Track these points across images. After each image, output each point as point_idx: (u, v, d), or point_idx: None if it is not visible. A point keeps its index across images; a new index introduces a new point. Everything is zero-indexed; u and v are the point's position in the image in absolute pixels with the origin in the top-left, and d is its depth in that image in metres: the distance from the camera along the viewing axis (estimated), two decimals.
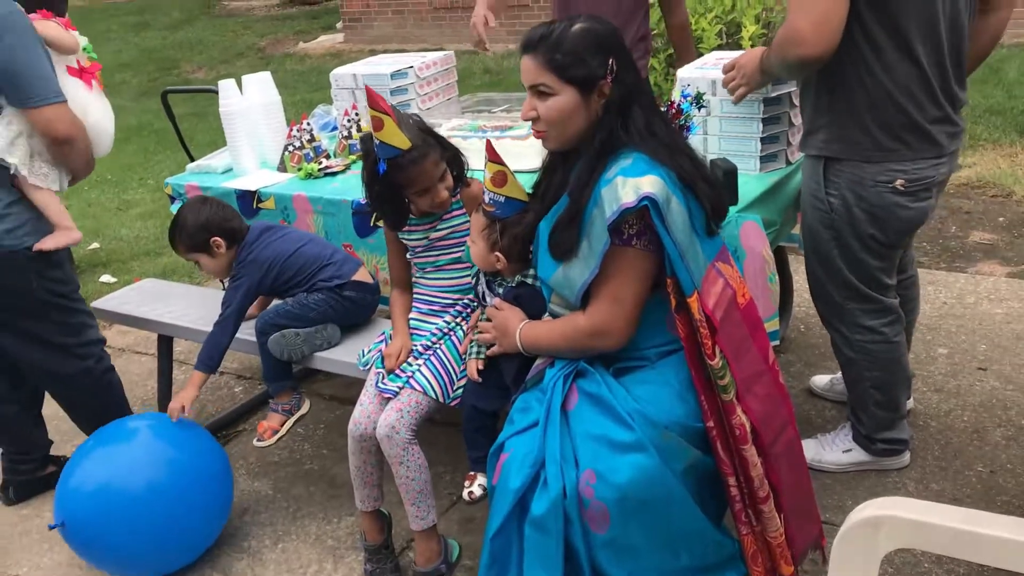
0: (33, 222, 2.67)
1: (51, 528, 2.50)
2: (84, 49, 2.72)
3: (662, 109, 2.18)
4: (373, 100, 2.24)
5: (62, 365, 2.90)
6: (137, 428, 2.69)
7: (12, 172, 2.58)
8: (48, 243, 2.67)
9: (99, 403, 3.01)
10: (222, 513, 2.72)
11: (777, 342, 2.64)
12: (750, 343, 2.01)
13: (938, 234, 4.46)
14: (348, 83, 3.49)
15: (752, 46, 4.40)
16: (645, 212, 1.85)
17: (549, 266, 2.04)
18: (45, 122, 2.53)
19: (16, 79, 2.47)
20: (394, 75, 3.42)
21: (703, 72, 2.77)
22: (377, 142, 2.30)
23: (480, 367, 2.37)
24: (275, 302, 3.00)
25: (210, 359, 2.78)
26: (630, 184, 1.85)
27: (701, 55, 3.24)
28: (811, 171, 2.47)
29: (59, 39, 2.63)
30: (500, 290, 2.33)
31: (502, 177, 2.18)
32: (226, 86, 3.29)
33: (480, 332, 2.32)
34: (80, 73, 2.72)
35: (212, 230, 2.86)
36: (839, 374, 3.16)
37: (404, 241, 2.57)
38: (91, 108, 2.69)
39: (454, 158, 2.47)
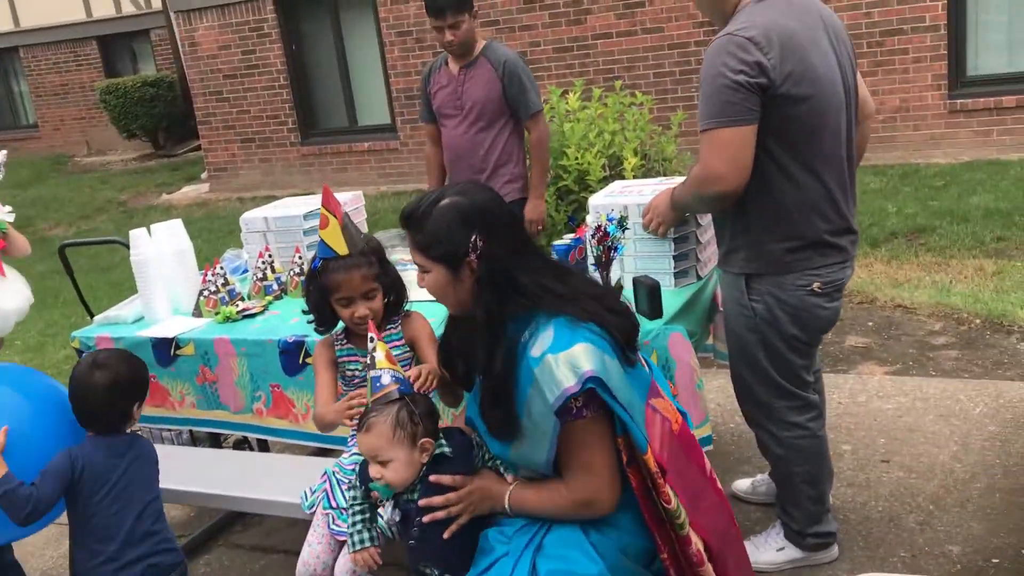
0: None
1: None
2: None
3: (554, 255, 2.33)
4: (327, 199, 2.32)
5: None
6: None
7: None
8: None
9: None
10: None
11: (711, 447, 2.76)
12: (689, 463, 2.06)
13: None
14: (259, 226, 3.52)
15: (634, 177, 4.71)
16: (591, 392, 1.86)
17: (498, 447, 2.05)
18: None
19: None
20: (307, 216, 3.48)
21: (615, 199, 2.97)
22: (319, 240, 2.38)
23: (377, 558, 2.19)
24: None
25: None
26: (562, 361, 1.84)
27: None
28: (732, 283, 2.66)
29: None
30: (414, 496, 2.08)
31: (391, 356, 2.14)
32: (137, 235, 3.26)
33: (452, 504, 2.07)
34: None
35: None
36: (760, 476, 3.30)
37: (343, 367, 2.57)
38: None
39: (392, 284, 2.53)
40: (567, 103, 5.18)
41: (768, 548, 2.92)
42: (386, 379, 2.07)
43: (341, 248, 2.39)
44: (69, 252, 4.00)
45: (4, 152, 2.90)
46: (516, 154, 4.17)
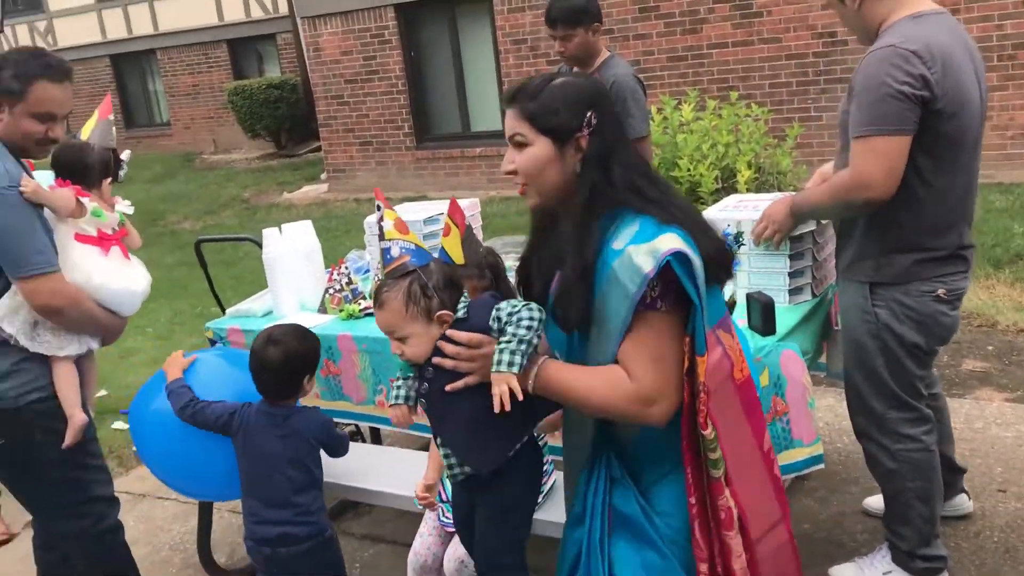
0: (43, 378, 2.69)
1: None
2: (95, 214, 2.77)
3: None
4: (453, 211, 2.29)
5: (54, 523, 2.88)
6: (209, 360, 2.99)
7: (11, 342, 2.61)
8: (68, 440, 2.69)
9: (93, 567, 2.93)
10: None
11: (821, 466, 2.76)
12: (745, 425, 1.90)
13: None
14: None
15: (748, 190, 4.70)
16: (667, 270, 1.74)
17: (559, 340, 1.96)
18: (26, 294, 2.59)
19: (4, 253, 2.55)
20: (427, 221, 3.61)
21: (730, 214, 2.99)
22: (440, 248, 2.23)
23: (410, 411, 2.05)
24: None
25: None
26: (643, 250, 1.76)
27: None
28: (856, 290, 2.71)
29: (56, 207, 2.66)
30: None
31: (403, 225, 2.04)
32: (269, 234, 3.45)
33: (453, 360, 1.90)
34: (99, 240, 2.78)
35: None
36: None
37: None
38: (96, 274, 2.72)
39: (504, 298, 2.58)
40: (681, 114, 5.20)
41: (874, 571, 2.89)
42: (395, 251, 1.96)
43: (458, 257, 2.43)
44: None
45: (128, 152, 3.12)
46: None
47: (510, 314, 1.84)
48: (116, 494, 2.96)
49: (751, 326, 2.69)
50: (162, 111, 17.36)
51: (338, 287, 3.40)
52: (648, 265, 1.73)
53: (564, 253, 1.87)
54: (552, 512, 2.60)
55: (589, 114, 1.83)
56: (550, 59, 9.54)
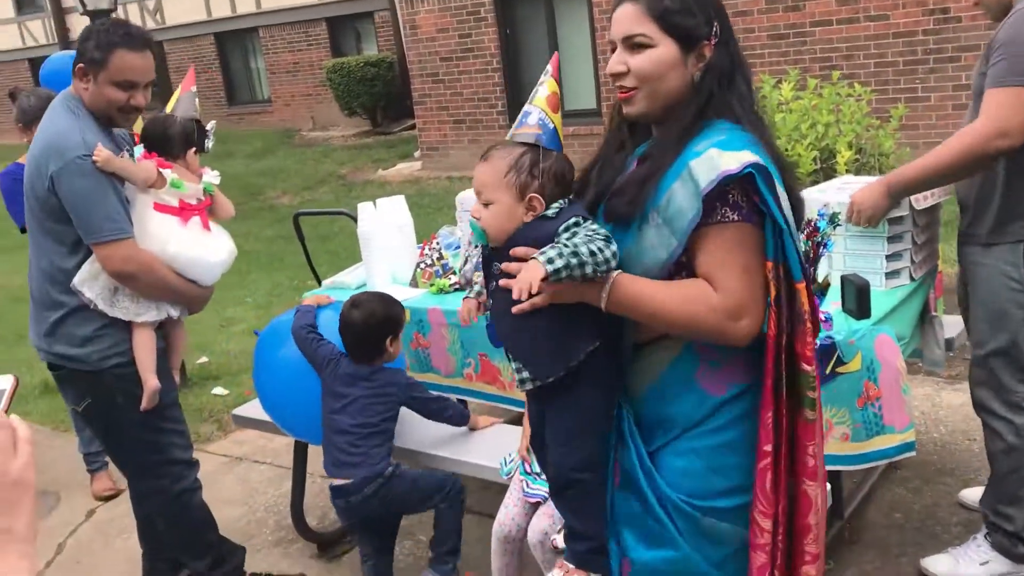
0: (124, 344, 2.80)
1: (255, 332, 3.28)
2: (174, 184, 2.83)
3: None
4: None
5: (136, 482, 3.02)
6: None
7: (92, 307, 2.72)
8: (144, 404, 2.81)
9: (172, 525, 3.04)
10: None
11: (912, 453, 2.70)
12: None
13: None
14: (470, 206, 3.71)
15: (847, 171, 4.58)
16: (748, 181, 1.64)
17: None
18: (100, 259, 2.69)
19: (76, 219, 2.66)
20: None
21: (828, 196, 2.93)
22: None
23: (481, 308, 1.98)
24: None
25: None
26: (728, 155, 1.65)
27: None
28: (1002, 256, 2.65)
29: (131, 177, 2.74)
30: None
31: (557, 102, 1.86)
32: (364, 208, 3.54)
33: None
34: (179, 211, 2.85)
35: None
36: None
37: None
38: (172, 243, 2.80)
39: None
40: (780, 93, 5.08)
41: (971, 562, 2.81)
42: (532, 119, 1.82)
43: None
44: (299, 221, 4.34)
45: (213, 123, 3.20)
46: None
47: (578, 223, 1.72)
48: (215, 454, 3.10)
49: (845, 309, 2.64)
50: (263, 88, 17.80)
51: (429, 262, 3.46)
52: (730, 164, 1.63)
53: (653, 144, 1.79)
54: None
55: (716, 24, 1.75)
56: None
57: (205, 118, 3.20)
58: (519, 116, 1.85)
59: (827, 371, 2.56)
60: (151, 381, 2.80)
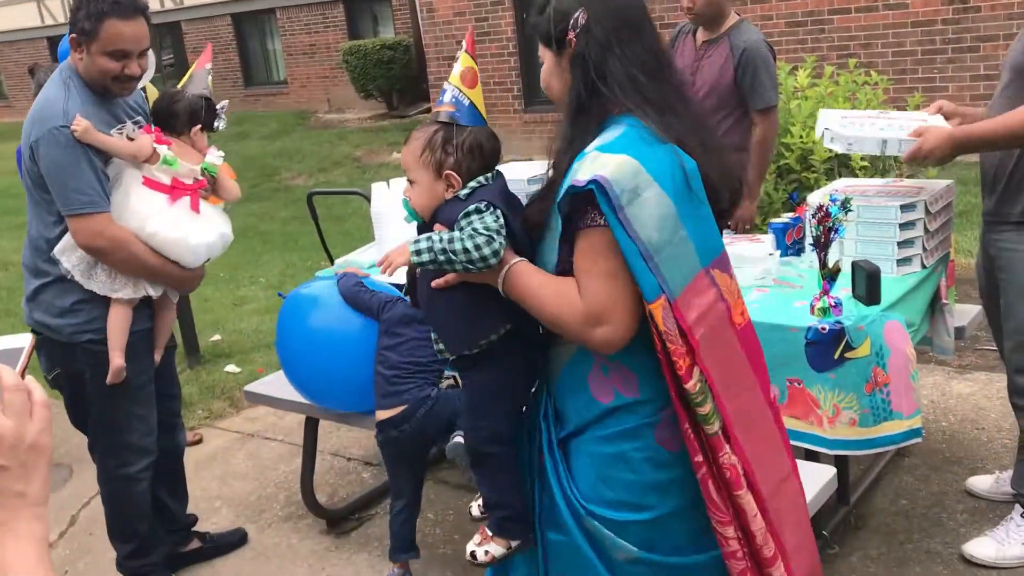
0: (99, 321, 2.80)
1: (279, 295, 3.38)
2: (166, 162, 2.76)
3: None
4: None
5: (94, 454, 3.04)
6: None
7: (68, 277, 2.73)
8: (109, 379, 2.81)
9: (107, 502, 3.06)
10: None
11: (919, 439, 2.71)
12: (749, 373, 1.76)
13: None
14: None
15: (861, 159, 4.57)
16: (591, 197, 1.62)
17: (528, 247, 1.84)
18: (72, 231, 2.68)
19: (52, 189, 2.66)
20: (531, 180, 3.64)
21: (839, 187, 2.93)
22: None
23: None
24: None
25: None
26: (601, 160, 1.63)
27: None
28: None
29: (114, 150, 2.70)
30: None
31: (474, 77, 1.90)
32: (378, 187, 3.56)
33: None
34: (170, 189, 2.79)
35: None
36: (1005, 473, 3.16)
37: None
38: (151, 222, 2.74)
39: None
40: (796, 80, 5.07)
41: (1013, 542, 2.82)
42: (447, 97, 1.86)
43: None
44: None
45: (226, 102, 3.13)
46: (738, 143, 3.85)
47: (478, 211, 1.74)
48: (228, 431, 3.13)
49: (855, 295, 2.65)
50: (279, 70, 17.81)
51: None
52: (582, 176, 1.62)
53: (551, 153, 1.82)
54: None
55: (578, 13, 1.71)
56: (663, 23, 9.39)
57: (220, 98, 3.19)
58: (439, 94, 1.89)
59: (836, 356, 2.57)
60: (116, 360, 2.78)
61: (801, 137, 4.63)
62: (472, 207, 1.75)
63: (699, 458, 1.68)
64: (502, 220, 1.73)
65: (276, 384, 3.61)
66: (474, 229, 1.72)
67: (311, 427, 3.46)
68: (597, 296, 1.65)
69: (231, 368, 5.23)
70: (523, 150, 10.95)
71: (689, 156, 1.67)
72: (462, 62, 1.89)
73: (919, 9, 8.30)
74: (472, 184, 1.80)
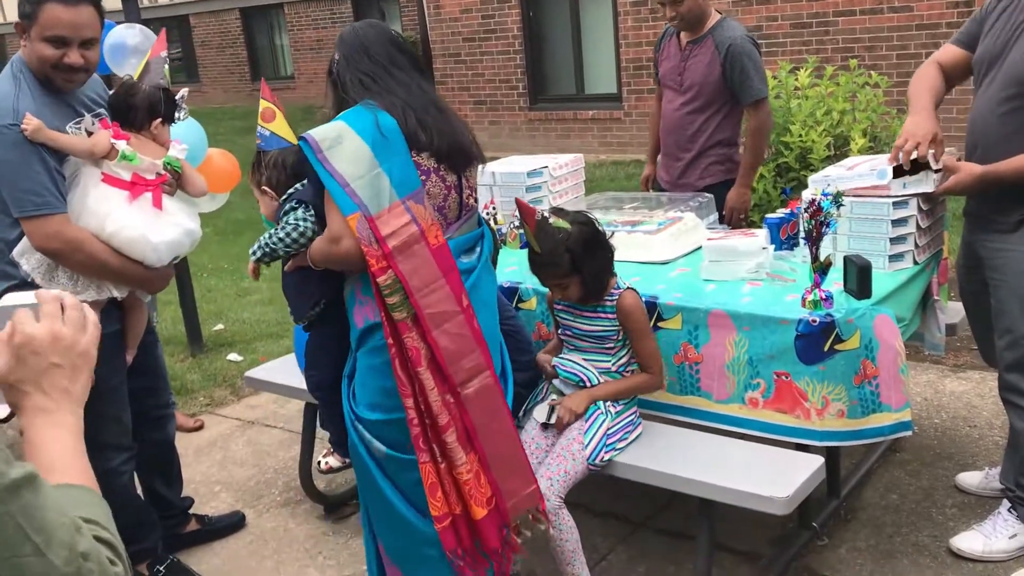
0: None
1: None
2: (125, 157, 2.65)
3: None
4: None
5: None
6: None
7: (29, 280, 2.60)
8: None
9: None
10: None
11: (909, 433, 2.74)
12: (443, 283, 2.27)
13: None
14: (486, 180, 3.77)
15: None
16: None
17: None
18: (26, 234, 2.56)
19: (4, 191, 2.54)
20: (530, 174, 3.69)
21: (834, 178, 2.97)
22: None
23: None
24: None
25: None
26: (318, 127, 2.30)
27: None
28: None
29: (66, 148, 2.59)
30: None
31: (271, 113, 2.70)
32: None
33: None
34: (130, 185, 2.68)
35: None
36: (994, 470, 3.19)
37: (558, 318, 2.84)
38: (110, 221, 2.63)
39: (595, 272, 2.67)
40: (796, 80, 5.10)
41: (1000, 536, 2.85)
42: (257, 133, 2.77)
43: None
44: None
45: (185, 91, 2.99)
46: (728, 138, 4.00)
47: (289, 211, 2.46)
48: (229, 418, 3.15)
49: (846, 289, 2.69)
50: (287, 65, 17.89)
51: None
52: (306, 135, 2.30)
53: None
54: (634, 456, 2.67)
55: (336, 57, 2.37)
56: (657, 17, 9.42)
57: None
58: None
59: (825, 348, 2.61)
60: None
61: (800, 136, 4.67)
62: (288, 207, 2.48)
63: (390, 340, 2.26)
64: (312, 211, 2.40)
65: (276, 370, 3.67)
66: (286, 222, 2.43)
67: (310, 413, 3.50)
68: (333, 221, 2.28)
69: (233, 357, 5.28)
70: (528, 148, 11.00)
71: (393, 118, 2.27)
72: (261, 104, 2.71)
73: (924, 12, 8.33)
74: (290, 191, 2.54)
